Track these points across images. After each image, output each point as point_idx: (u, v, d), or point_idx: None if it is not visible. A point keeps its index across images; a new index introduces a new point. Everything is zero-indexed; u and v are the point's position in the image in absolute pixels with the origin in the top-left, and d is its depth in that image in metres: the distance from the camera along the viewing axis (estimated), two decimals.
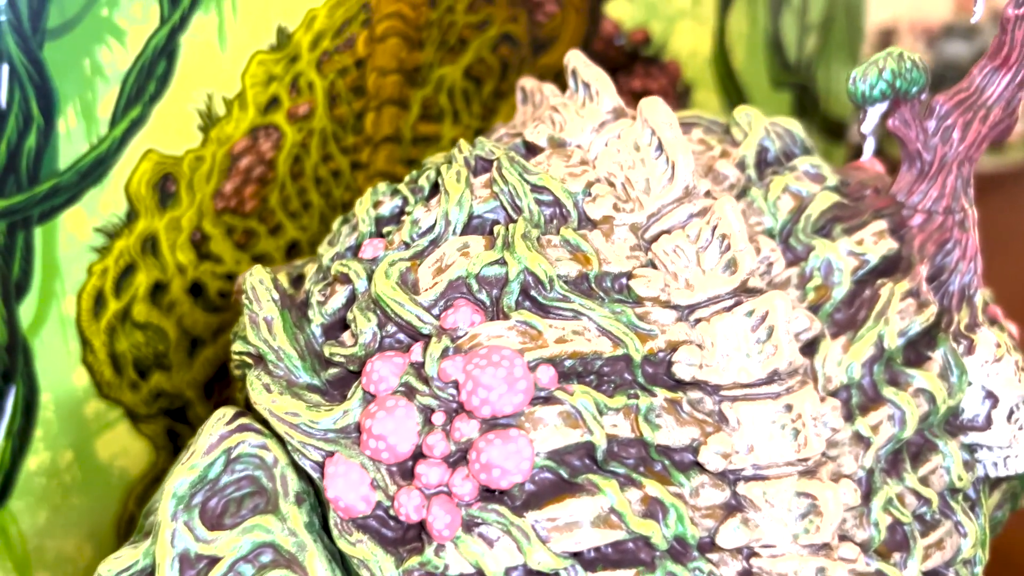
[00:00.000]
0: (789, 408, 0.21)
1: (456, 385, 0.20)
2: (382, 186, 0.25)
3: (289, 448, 0.21)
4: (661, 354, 0.21)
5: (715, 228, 0.22)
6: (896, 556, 0.23)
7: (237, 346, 0.23)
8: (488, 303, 0.21)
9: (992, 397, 0.25)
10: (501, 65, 0.39)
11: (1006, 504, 0.30)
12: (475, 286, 0.21)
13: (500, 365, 0.19)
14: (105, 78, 0.31)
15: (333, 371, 0.22)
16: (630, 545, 0.21)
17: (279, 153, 0.35)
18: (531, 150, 0.25)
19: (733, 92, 0.46)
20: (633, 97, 0.43)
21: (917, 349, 0.25)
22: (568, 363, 0.21)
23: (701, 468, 0.21)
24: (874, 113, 0.25)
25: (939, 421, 0.24)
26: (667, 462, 0.21)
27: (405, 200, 0.24)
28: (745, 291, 0.22)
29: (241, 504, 0.22)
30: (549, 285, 0.21)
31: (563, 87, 0.40)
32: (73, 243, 0.32)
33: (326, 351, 0.22)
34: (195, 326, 0.36)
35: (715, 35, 0.44)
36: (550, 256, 0.22)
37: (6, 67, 0.29)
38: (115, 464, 0.36)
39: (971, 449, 0.25)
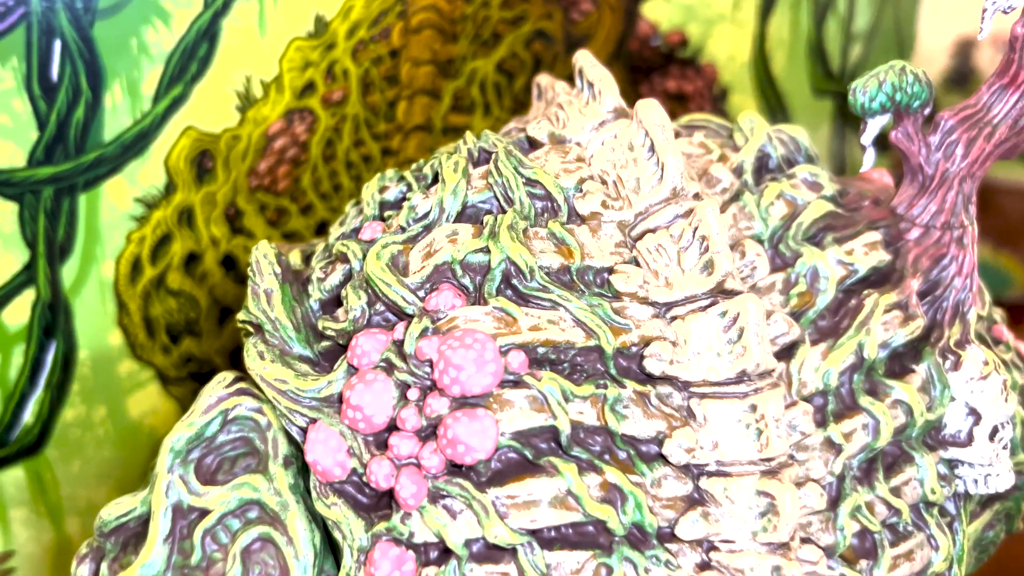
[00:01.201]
0: (754, 408, 0.22)
1: (431, 364, 0.21)
2: (390, 172, 0.26)
3: (277, 413, 0.23)
4: (634, 348, 0.22)
5: (696, 229, 0.23)
6: (863, 563, 0.24)
7: (241, 315, 0.25)
8: (471, 288, 0.22)
9: (975, 414, 0.25)
10: (534, 61, 0.40)
11: (999, 524, 0.30)
12: (459, 271, 0.22)
13: (471, 347, 0.21)
14: (150, 57, 0.33)
15: (325, 344, 0.24)
16: (589, 528, 0.21)
17: (312, 136, 0.37)
18: (533, 145, 0.26)
19: (772, 97, 0.46)
20: (666, 98, 0.44)
21: (902, 361, 0.25)
22: (541, 350, 0.22)
23: (665, 460, 0.22)
24: (874, 125, 0.25)
25: (917, 434, 0.24)
26: (632, 452, 0.22)
27: (409, 186, 0.25)
28: (721, 292, 0.22)
29: (235, 463, 0.24)
30: (530, 275, 0.22)
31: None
32: (114, 211, 0.34)
33: (320, 325, 0.24)
34: (226, 296, 0.38)
35: (755, 40, 0.44)
36: (534, 247, 0.23)
37: (59, 43, 0.31)
38: (145, 422, 0.38)
39: (951, 464, 0.25)
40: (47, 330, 0.35)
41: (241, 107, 0.35)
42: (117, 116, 0.33)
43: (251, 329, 0.24)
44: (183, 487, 0.23)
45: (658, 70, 0.42)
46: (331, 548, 0.23)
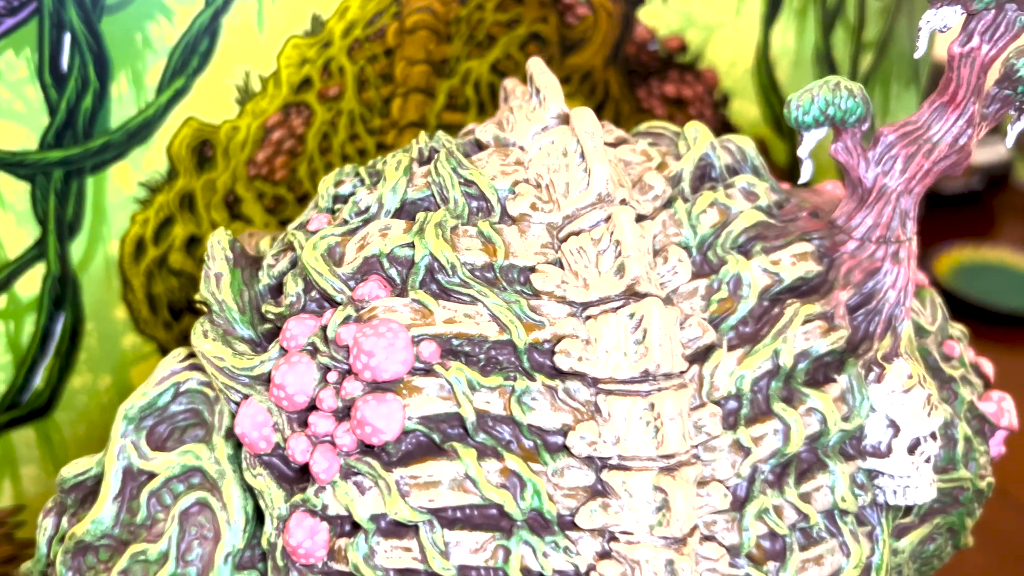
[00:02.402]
0: (652, 407, 0.23)
1: (348, 349, 0.23)
2: (348, 168, 0.28)
3: (216, 387, 0.24)
4: (547, 344, 0.23)
5: (612, 234, 0.24)
6: (771, 564, 0.24)
7: (197, 295, 0.26)
8: (398, 281, 0.24)
9: (895, 427, 0.25)
10: None
11: (941, 539, 0.30)
12: (387, 264, 0.24)
13: (384, 336, 0.22)
14: (154, 51, 0.35)
15: (267, 327, 0.25)
16: (493, 512, 0.23)
17: (309, 129, 0.38)
18: (480, 147, 0.27)
19: (777, 104, 0.46)
20: (664, 102, 0.44)
21: (826, 371, 0.26)
22: (456, 342, 0.23)
23: (570, 452, 0.23)
24: (811, 138, 0.26)
25: (834, 443, 0.25)
26: (539, 442, 0.23)
27: (363, 181, 0.27)
28: (633, 295, 0.23)
29: (184, 432, 0.26)
30: (452, 270, 0.23)
31: (590, 89, 0.42)
32: (119, 194, 0.37)
33: (263, 308, 0.25)
34: None
35: (758, 47, 0.44)
36: (460, 245, 0.24)
37: (68, 36, 0.34)
38: None
39: (871, 475, 0.26)
40: (56, 302, 0.37)
41: (240, 100, 0.37)
42: (123, 105, 0.35)
43: (204, 309, 0.26)
44: (134, 451, 0.25)
45: (656, 74, 0.43)
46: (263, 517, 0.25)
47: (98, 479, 0.26)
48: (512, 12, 0.39)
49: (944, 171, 0.26)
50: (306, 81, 0.37)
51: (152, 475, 0.25)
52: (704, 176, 0.27)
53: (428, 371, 0.23)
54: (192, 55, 0.35)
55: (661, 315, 0.23)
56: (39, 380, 0.38)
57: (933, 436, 0.26)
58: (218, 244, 0.25)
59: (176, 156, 0.37)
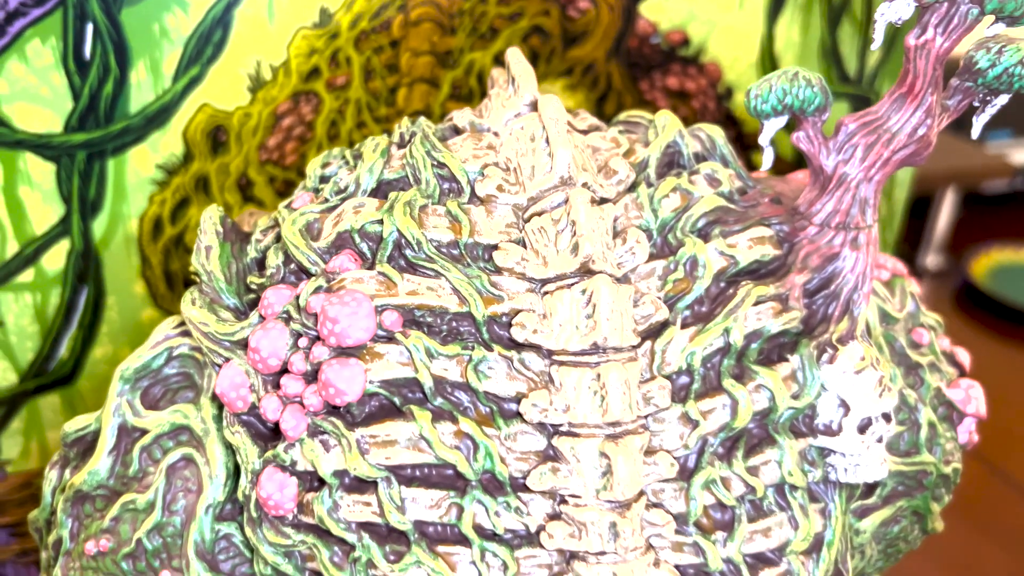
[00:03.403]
0: (598, 377, 0.24)
1: (316, 317, 0.24)
2: (335, 150, 0.29)
3: (202, 350, 0.26)
4: (505, 317, 0.25)
5: (569, 215, 0.25)
6: (719, 534, 0.25)
7: (191, 266, 0.28)
8: (368, 255, 0.25)
9: (846, 406, 0.26)
10: (531, 55, 0.42)
11: (906, 521, 0.31)
12: (358, 239, 0.25)
13: (347, 304, 0.24)
14: (170, 40, 0.37)
15: (251, 296, 0.27)
16: (448, 472, 0.24)
17: (317, 117, 0.40)
18: (457, 132, 0.29)
19: None
20: (668, 95, 0.45)
21: (781, 352, 0.27)
22: (419, 313, 0.25)
23: (523, 418, 0.24)
24: (770, 127, 0.27)
25: (785, 420, 0.26)
26: (494, 408, 0.24)
27: (346, 163, 0.29)
28: (587, 272, 0.25)
29: (176, 394, 0.28)
30: (417, 246, 0.25)
31: (593, 81, 0.43)
32: (138, 175, 0.39)
33: (248, 280, 0.27)
34: None
35: (762, 41, 0.45)
36: (428, 222, 0.25)
37: (91, 26, 0.36)
38: None
39: (823, 452, 0.27)
40: (80, 276, 0.40)
41: (252, 88, 0.39)
42: (141, 91, 0.37)
43: (196, 279, 0.28)
44: (128, 409, 0.27)
45: (658, 68, 0.44)
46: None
47: (97, 434, 0.28)
48: (514, 5, 0.41)
49: (905, 161, 0.27)
50: (315, 71, 0.39)
51: (144, 432, 0.27)
52: (672, 163, 0.28)
53: (390, 339, 0.24)
54: (206, 45, 0.37)
55: (610, 291, 0.24)
56: (63, 350, 0.41)
57: (887, 417, 0.27)
58: (209, 219, 0.27)
59: (192, 140, 0.39)
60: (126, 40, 0.36)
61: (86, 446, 0.28)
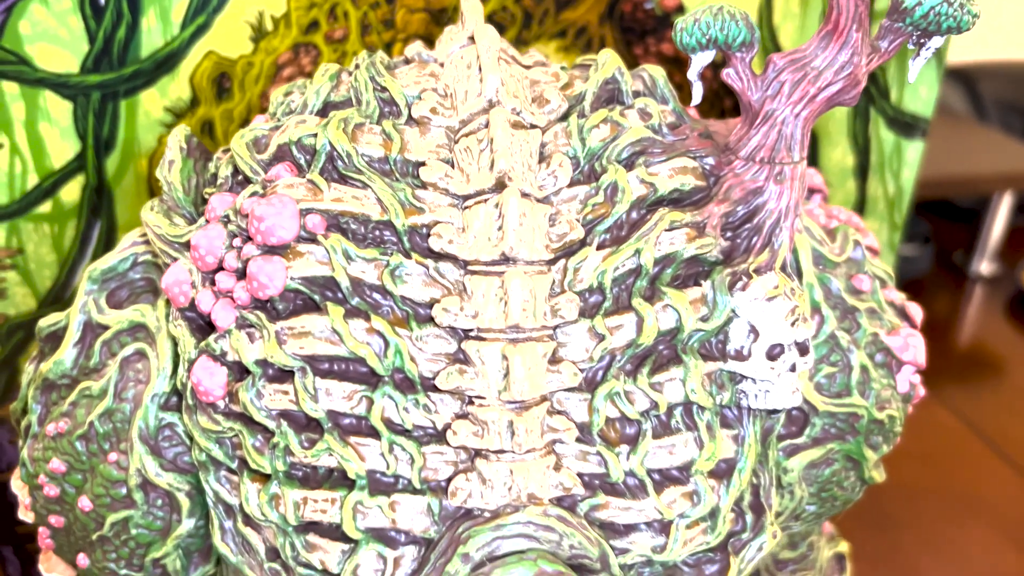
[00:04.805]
0: (502, 284, 0.25)
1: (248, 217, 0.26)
2: (299, 81, 0.31)
3: (154, 249, 0.29)
4: (424, 229, 0.26)
5: (489, 133, 0.26)
6: (623, 447, 0.26)
7: (155, 175, 0.31)
8: (305, 166, 0.27)
9: (755, 332, 0.27)
10: (524, 15, 0.44)
11: (838, 464, 0.31)
12: (295, 151, 0.27)
13: (273, 204, 0.26)
14: None
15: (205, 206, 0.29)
16: (364, 369, 0.26)
17: (316, 68, 0.43)
18: (407, 62, 0.30)
19: None
20: (662, 61, 0.46)
21: (697, 278, 0.27)
22: (343, 219, 0.26)
23: (435, 322, 0.26)
24: (697, 61, 0.28)
25: (694, 341, 0.27)
26: (410, 312, 0.26)
27: (304, 90, 0.31)
28: (501, 187, 0.26)
29: (139, 297, 0.30)
30: (347, 159, 0.27)
31: (586, 44, 0.44)
32: (148, 117, 0.42)
33: (204, 192, 0.29)
34: None
35: (760, 10, 0.46)
36: (361, 139, 0.27)
37: None
38: None
39: (734, 377, 0.27)
40: (94, 210, 0.43)
41: (255, 37, 0.41)
42: (151, 37, 0.40)
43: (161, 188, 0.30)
44: (94, 307, 0.30)
45: (652, 33, 0.45)
46: None
47: (66, 329, 0.30)
48: None
49: (833, 99, 0.28)
50: (314, 23, 0.42)
51: (107, 327, 0.30)
52: (612, 100, 0.30)
53: (313, 240, 0.26)
54: None
55: (518, 203, 0.25)
56: (78, 279, 0.44)
57: (802, 348, 0.27)
58: (175, 137, 0.30)
59: (198, 86, 0.42)
60: None
61: (57, 340, 0.31)
